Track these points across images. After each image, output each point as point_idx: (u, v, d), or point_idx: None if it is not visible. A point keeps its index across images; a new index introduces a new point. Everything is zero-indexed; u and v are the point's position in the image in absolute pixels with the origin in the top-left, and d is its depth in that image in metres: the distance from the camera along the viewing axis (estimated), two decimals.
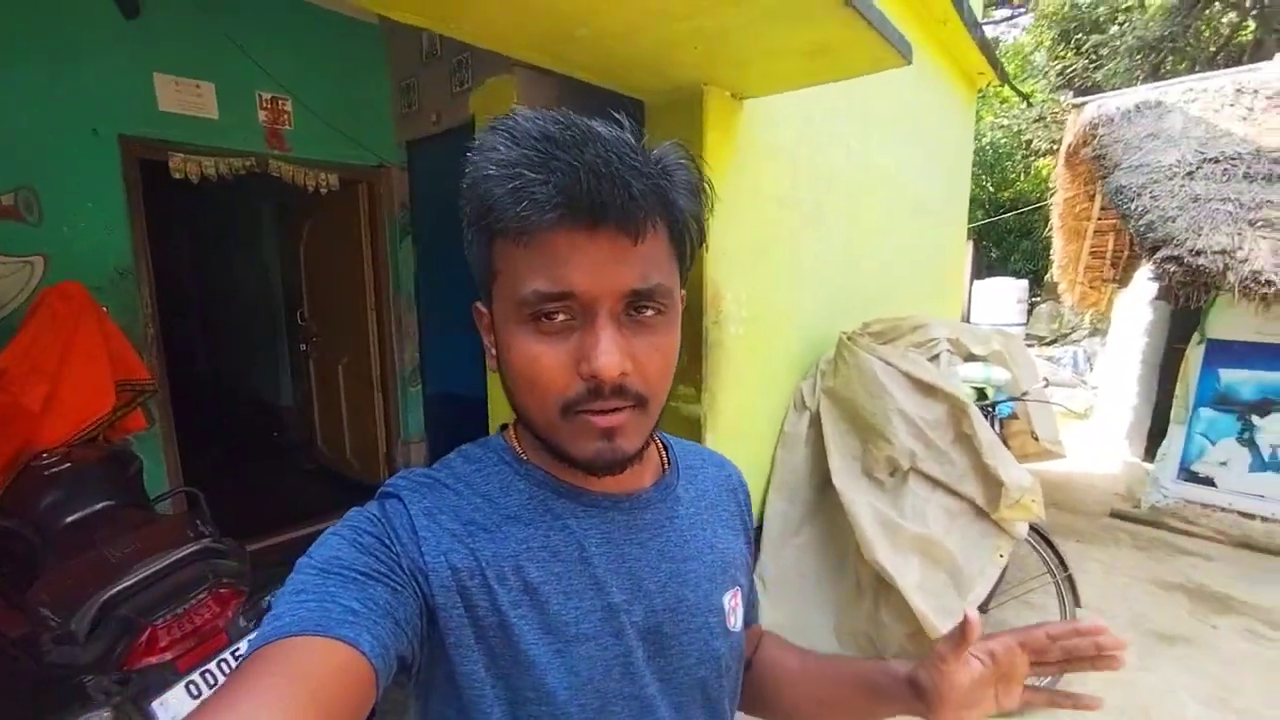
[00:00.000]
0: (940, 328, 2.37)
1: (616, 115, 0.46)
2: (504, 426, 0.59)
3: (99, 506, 1.54)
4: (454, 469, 0.55)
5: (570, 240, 0.44)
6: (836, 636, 2.19)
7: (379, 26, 3.11)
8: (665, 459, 0.63)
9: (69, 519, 1.52)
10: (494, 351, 0.52)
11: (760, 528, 2.46)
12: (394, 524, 0.48)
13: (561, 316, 0.45)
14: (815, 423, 2.46)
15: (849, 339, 2.40)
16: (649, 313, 0.47)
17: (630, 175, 0.43)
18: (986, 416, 2.20)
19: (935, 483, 2.10)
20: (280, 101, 2.77)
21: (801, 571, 2.35)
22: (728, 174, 2.09)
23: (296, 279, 4.01)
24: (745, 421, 2.35)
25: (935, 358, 2.30)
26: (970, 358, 2.38)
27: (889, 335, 2.42)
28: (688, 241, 0.51)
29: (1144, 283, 4.55)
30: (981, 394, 2.29)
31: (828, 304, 2.77)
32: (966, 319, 8.47)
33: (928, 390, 2.16)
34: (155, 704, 1.15)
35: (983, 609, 2.17)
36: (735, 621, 0.60)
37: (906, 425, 2.13)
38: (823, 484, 2.40)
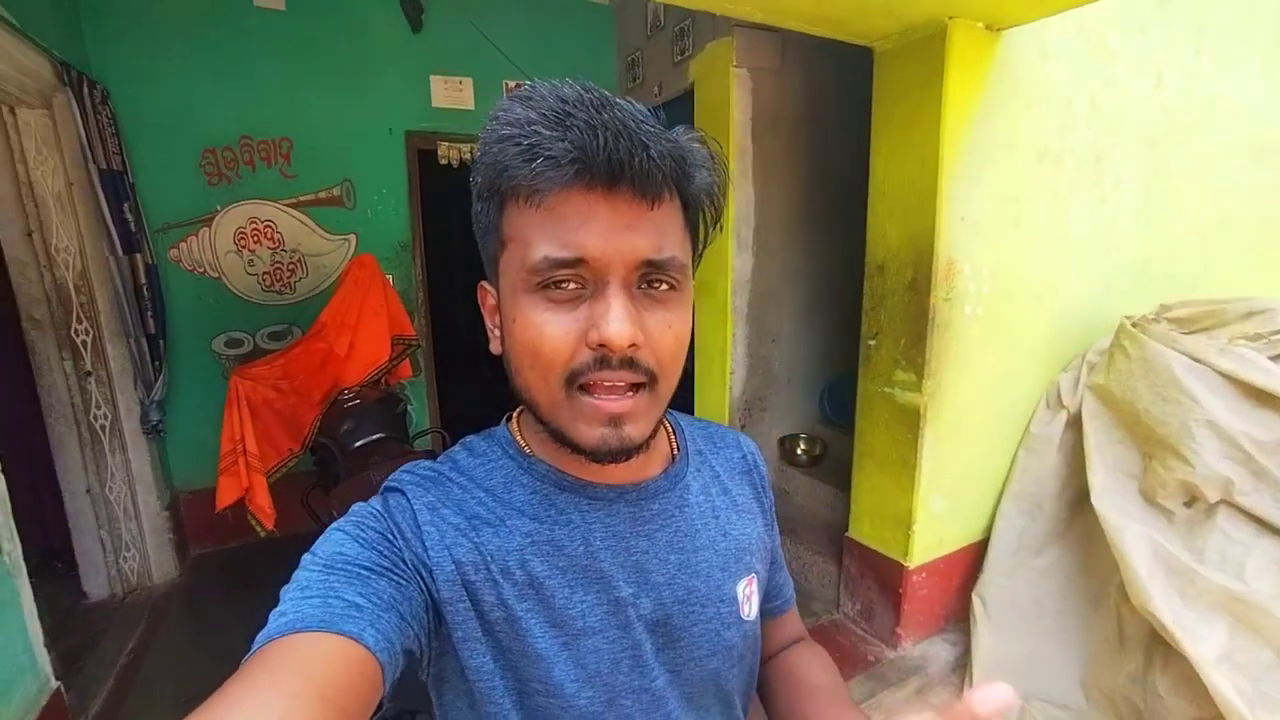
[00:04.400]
0: None
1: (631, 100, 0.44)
2: (508, 417, 0.57)
3: (376, 437, 1.92)
4: (458, 463, 0.54)
5: (585, 202, 0.42)
6: (1084, 692, 1.79)
7: (610, 6, 3.24)
8: (675, 444, 0.60)
9: (357, 444, 1.92)
10: (498, 333, 0.50)
11: (987, 540, 2.11)
12: (397, 519, 0.48)
13: (572, 285, 0.44)
14: (1074, 425, 1.99)
15: (1134, 325, 1.87)
16: (663, 287, 0.45)
17: (648, 138, 0.41)
18: None
19: (1264, 525, 1.56)
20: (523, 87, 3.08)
21: (1040, 601, 1.96)
22: (973, 124, 1.75)
23: None
24: (976, 416, 2.00)
25: None
26: None
27: (1202, 323, 1.82)
28: (702, 220, 0.49)
29: None
30: None
31: (1105, 282, 2.19)
32: None
33: (1264, 399, 1.59)
34: None
35: None
36: (749, 610, 0.59)
37: (1220, 443, 1.60)
38: (1078, 500, 1.95)
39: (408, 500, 0.50)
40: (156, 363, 2.39)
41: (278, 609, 0.40)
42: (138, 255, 2.30)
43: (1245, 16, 2.34)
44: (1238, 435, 1.58)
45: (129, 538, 2.50)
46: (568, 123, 0.40)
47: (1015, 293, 1.98)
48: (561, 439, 0.47)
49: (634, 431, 0.46)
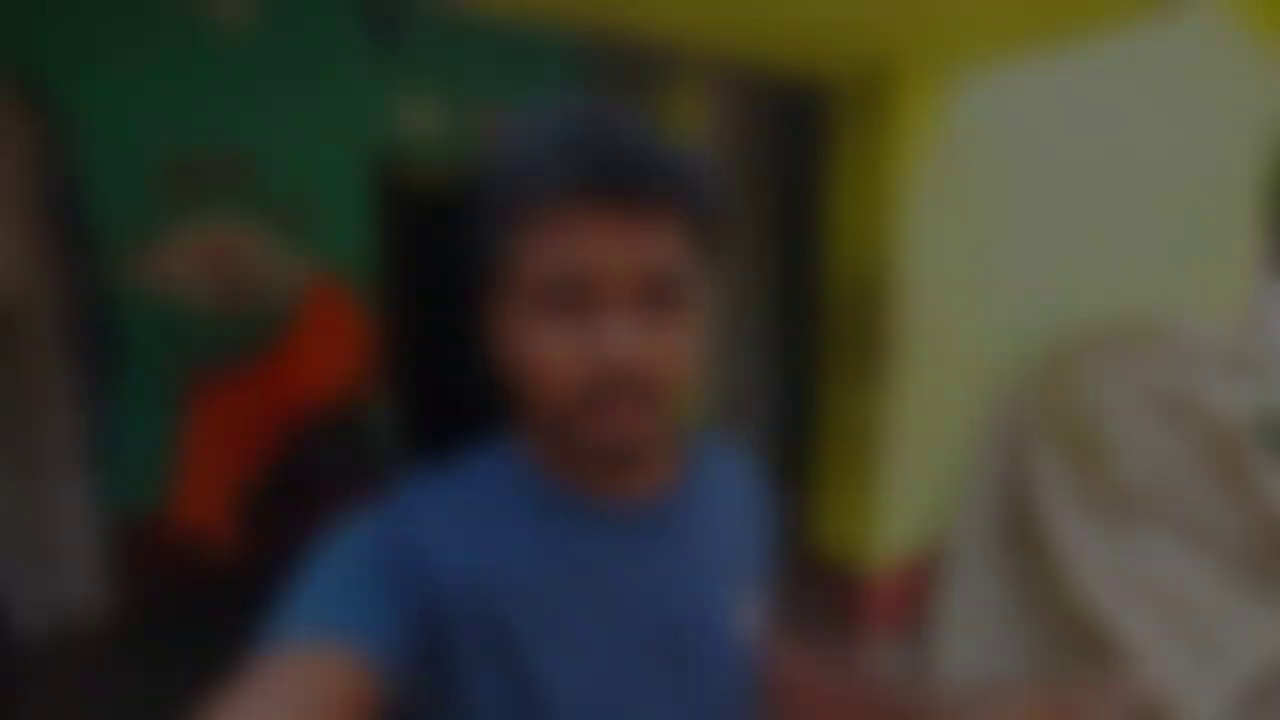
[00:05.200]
0: (1209, 334, 1.90)
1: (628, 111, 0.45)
2: (509, 429, 0.57)
3: (342, 461, 1.88)
4: (458, 475, 0.53)
5: (586, 222, 0.42)
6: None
7: (572, 41, 3.33)
8: (681, 461, 0.59)
9: (322, 468, 1.87)
10: (498, 349, 0.50)
11: (942, 547, 2.20)
12: (397, 529, 0.48)
13: (573, 305, 0.43)
14: (1018, 438, 2.13)
15: (1067, 344, 2.03)
16: (665, 305, 0.45)
17: (650, 158, 0.42)
18: None
19: (1182, 524, 1.70)
20: (488, 115, 3.11)
21: (989, 602, 2.06)
22: (918, 159, 1.89)
23: None
24: (928, 429, 2.11)
25: (1197, 371, 1.85)
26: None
27: (1126, 341, 2.00)
28: (708, 235, 0.48)
29: None
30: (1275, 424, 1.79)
31: (1039, 303, 2.38)
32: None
33: (1178, 411, 1.75)
34: None
35: None
36: (749, 629, 0.58)
37: (1141, 451, 1.75)
38: (1022, 506, 2.07)
39: (407, 511, 0.49)
40: (100, 382, 2.27)
41: (276, 618, 0.40)
42: (83, 270, 2.20)
43: (1155, 65, 2.60)
44: (1155, 443, 1.73)
45: (60, 572, 2.33)
46: (570, 143, 0.41)
47: (960, 314, 2.12)
48: (565, 455, 0.47)
49: (637, 446, 0.45)
